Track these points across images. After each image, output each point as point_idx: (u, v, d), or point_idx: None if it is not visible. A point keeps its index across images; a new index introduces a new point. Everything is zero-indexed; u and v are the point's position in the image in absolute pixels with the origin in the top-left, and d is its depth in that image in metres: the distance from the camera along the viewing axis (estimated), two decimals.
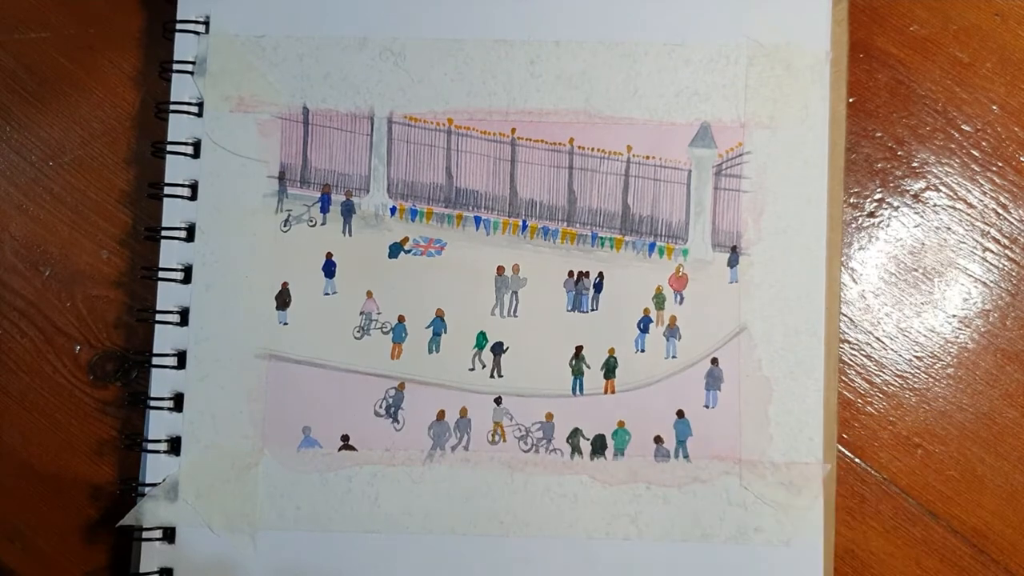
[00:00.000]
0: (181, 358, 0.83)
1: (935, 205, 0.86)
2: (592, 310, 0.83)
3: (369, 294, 0.83)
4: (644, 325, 0.83)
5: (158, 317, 0.83)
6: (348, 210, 0.84)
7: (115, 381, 0.86)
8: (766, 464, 0.81)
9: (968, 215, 0.86)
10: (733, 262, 0.83)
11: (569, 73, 0.84)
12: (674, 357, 0.83)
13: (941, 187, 0.86)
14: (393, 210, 0.84)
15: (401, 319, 0.83)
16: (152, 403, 0.83)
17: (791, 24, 0.84)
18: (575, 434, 0.82)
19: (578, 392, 0.83)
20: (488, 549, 0.82)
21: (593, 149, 0.84)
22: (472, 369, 0.83)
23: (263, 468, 0.82)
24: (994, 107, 0.87)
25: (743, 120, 0.83)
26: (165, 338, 0.83)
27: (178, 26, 0.85)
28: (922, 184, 0.86)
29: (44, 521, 0.85)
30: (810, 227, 0.82)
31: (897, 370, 0.85)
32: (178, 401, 0.83)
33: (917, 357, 0.85)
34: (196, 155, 0.84)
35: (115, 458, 0.86)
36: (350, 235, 0.84)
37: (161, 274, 0.83)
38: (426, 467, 0.82)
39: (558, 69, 0.84)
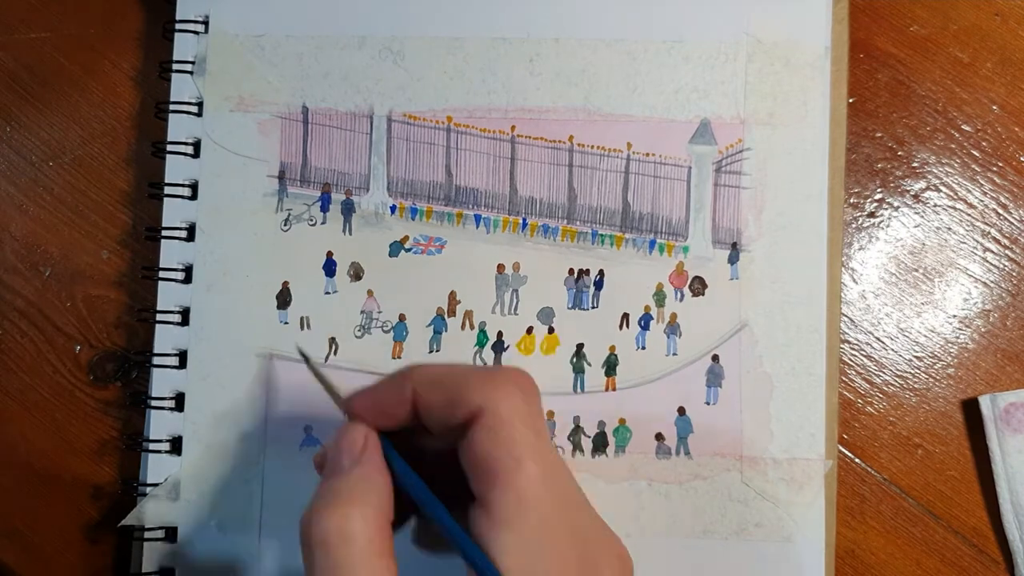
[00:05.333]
0: (182, 358, 0.83)
1: (935, 205, 0.86)
2: (593, 307, 0.83)
3: (370, 293, 0.83)
4: (645, 322, 0.83)
5: (159, 317, 0.83)
6: (348, 209, 0.84)
7: (115, 381, 0.86)
8: (767, 460, 0.81)
9: (968, 215, 0.86)
10: (733, 259, 0.83)
11: (569, 70, 0.84)
12: (675, 354, 0.83)
13: (941, 187, 0.86)
14: (393, 209, 0.84)
15: (402, 318, 0.83)
16: (153, 403, 0.83)
17: (790, 21, 0.84)
18: (576, 431, 0.82)
19: (579, 390, 0.83)
20: None
21: (593, 146, 0.84)
22: None
23: (265, 467, 0.82)
24: (994, 107, 0.87)
25: (743, 117, 0.83)
26: (166, 338, 0.83)
27: (177, 26, 0.85)
28: (922, 184, 0.86)
29: (44, 521, 0.85)
30: (810, 223, 0.82)
31: (897, 370, 0.85)
32: (179, 401, 0.83)
33: (917, 357, 0.85)
34: (196, 155, 0.84)
35: (116, 458, 0.86)
36: (350, 234, 0.84)
37: (161, 274, 0.83)
38: None
39: (557, 67, 0.84)
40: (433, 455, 0.62)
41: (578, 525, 0.57)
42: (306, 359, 0.68)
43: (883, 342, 0.86)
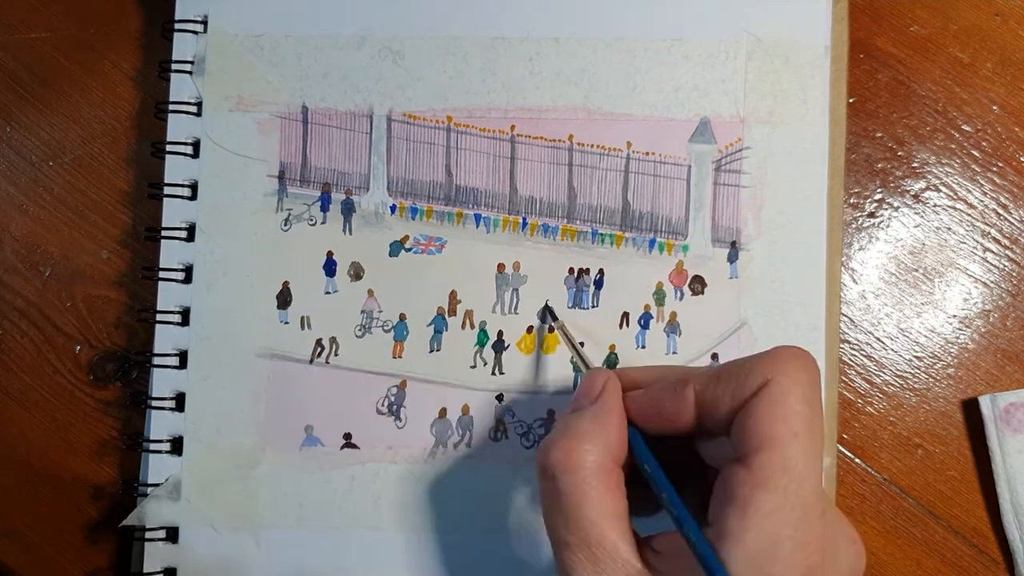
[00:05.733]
0: (182, 358, 0.83)
1: (935, 205, 0.86)
2: (593, 307, 0.83)
3: (370, 292, 0.83)
4: (644, 321, 0.83)
5: (159, 317, 0.83)
6: (348, 209, 0.84)
7: (115, 381, 0.86)
8: None
9: (968, 215, 0.86)
10: (733, 257, 0.83)
11: (568, 70, 0.84)
12: (674, 353, 0.83)
13: (941, 187, 0.86)
14: (393, 208, 0.84)
15: (402, 317, 0.83)
16: (153, 403, 0.83)
17: (790, 19, 0.84)
18: None
19: None
20: (491, 546, 0.82)
21: (593, 146, 0.84)
22: (474, 367, 0.83)
23: (265, 467, 0.82)
24: (994, 107, 0.87)
25: (742, 115, 0.83)
26: (166, 338, 0.83)
27: (176, 26, 0.85)
28: (922, 184, 0.86)
29: (44, 521, 0.85)
30: (809, 222, 0.82)
31: (897, 370, 0.85)
32: (179, 401, 0.83)
33: (917, 357, 0.85)
34: (196, 155, 0.84)
35: (116, 458, 0.86)
36: (350, 234, 0.84)
37: (161, 274, 0.83)
38: (428, 465, 0.82)
39: (557, 66, 0.84)
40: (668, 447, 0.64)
41: (824, 505, 0.58)
42: (553, 316, 0.75)
43: (883, 342, 0.86)
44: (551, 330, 0.84)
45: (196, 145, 0.84)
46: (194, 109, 0.85)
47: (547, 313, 0.83)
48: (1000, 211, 0.86)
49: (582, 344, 0.83)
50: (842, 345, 0.85)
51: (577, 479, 0.58)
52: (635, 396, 0.64)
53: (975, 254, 0.86)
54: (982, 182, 0.86)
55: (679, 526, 0.57)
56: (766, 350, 0.60)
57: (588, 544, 0.57)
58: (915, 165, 0.86)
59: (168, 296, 0.84)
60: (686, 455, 0.64)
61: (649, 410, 0.63)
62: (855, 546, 0.60)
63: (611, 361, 0.83)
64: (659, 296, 0.83)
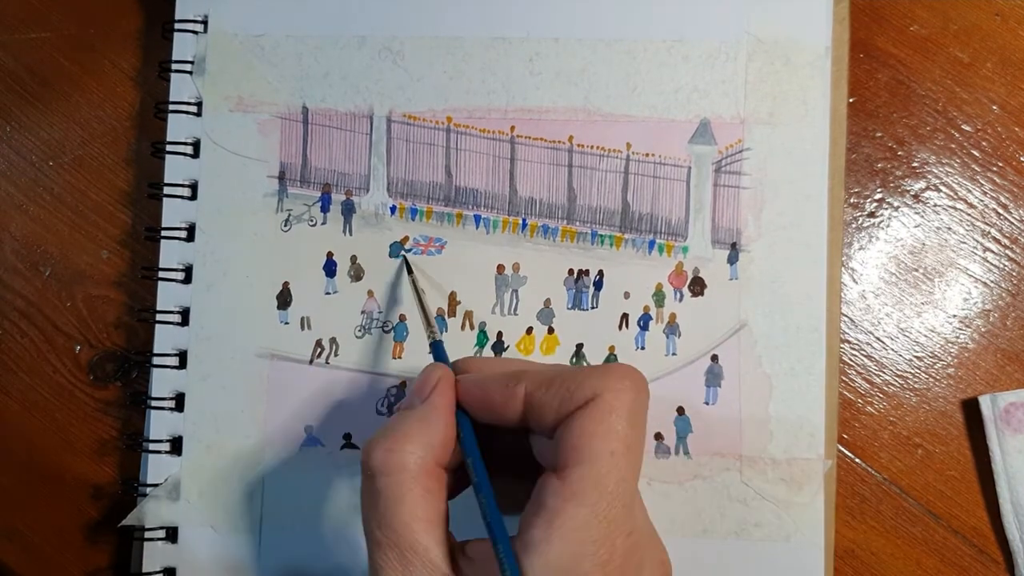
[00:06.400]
0: (182, 358, 0.83)
1: (935, 205, 0.86)
2: (592, 308, 0.83)
3: (370, 293, 0.83)
4: (644, 323, 0.83)
5: (158, 317, 0.83)
6: (348, 209, 0.84)
7: (115, 381, 0.86)
8: (766, 460, 0.81)
9: (968, 215, 0.86)
10: (733, 259, 0.83)
11: (568, 70, 0.84)
12: (674, 354, 0.83)
13: (941, 187, 0.86)
14: (393, 209, 0.84)
15: (402, 318, 0.83)
16: (153, 403, 0.83)
17: (791, 20, 0.83)
18: None
19: None
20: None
21: (592, 147, 0.84)
22: None
23: (265, 467, 0.82)
24: (994, 107, 0.87)
25: (743, 116, 0.83)
26: (166, 338, 0.83)
27: (176, 26, 0.85)
28: (922, 184, 0.86)
29: (44, 521, 0.85)
30: (810, 223, 0.82)
31: (897, 370, 0.85)
32: (179, 401, 0.83)
33: (917, 357, 0.85)
34: (196, 155, 0.84)
35: (116, 458, 0.86)
36: (351, 234, 0.84)
37: (161, 274, 0.83)
38: None
39: (557, 66, 0.84)
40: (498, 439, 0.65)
41: (636, 524, 0.58)
42: (409, 270, 0.79)
43: (883, 342, 0.85)
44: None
45: (196, 145, 0.84)
46: (194, 109, 0.85)
47: (403, 265, 0.84)
48: (1000, 211, 0.86)
49: (581, 345, 0.83)
50: (842, 345, 0.85)
51: (395, 480, 0.59)
52: (467, 383, 0.64)
53: (975, 254, 0.86)
54: (982, 182, 0.86)
55: (488, 531, 0.58)
56: (601, 365, 0.60)
57: (399, 546, 0.57)
58: (915, 165, 0.86)
59: (168, 296, 0.84)
60: (524, 448, 0.64)
61: (478, 400, 0.63)
62: (662, 568, 0.61)
63: (611, 362, 0.83)
64: (659, 297, 0.83)
